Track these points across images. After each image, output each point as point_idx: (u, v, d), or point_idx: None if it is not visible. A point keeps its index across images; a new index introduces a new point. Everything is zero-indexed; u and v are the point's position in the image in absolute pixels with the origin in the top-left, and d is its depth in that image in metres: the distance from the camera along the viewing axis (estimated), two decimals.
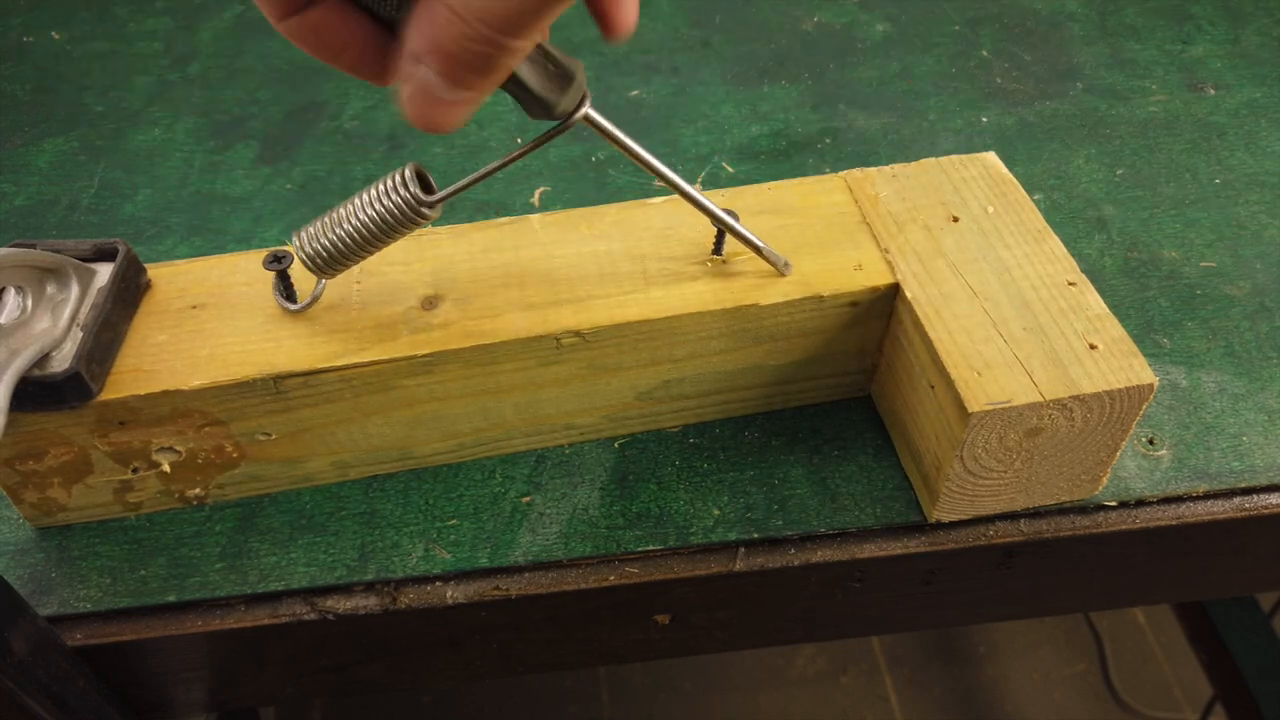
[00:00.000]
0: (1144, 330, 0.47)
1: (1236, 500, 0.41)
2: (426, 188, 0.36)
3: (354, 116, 0.62)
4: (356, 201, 0.36)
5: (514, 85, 0.31)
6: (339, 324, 0.39)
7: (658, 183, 0.57)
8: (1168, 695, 1.19)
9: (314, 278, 0.40)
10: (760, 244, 0.39)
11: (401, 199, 0.35)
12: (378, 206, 0.35)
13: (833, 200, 0.44)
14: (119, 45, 0.69)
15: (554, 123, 0.34)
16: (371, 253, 0.37)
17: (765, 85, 0.64)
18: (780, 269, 0.40)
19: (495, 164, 0.35)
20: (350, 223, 0.36)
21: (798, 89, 0.64)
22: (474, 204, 0.56)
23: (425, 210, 0.35)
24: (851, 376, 0.44)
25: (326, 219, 0.36)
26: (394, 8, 0.29)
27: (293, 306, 0.39)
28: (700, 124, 0.61)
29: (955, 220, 0.42)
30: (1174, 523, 0.41)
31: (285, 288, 0.39)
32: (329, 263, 0.37)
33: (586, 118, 0.34)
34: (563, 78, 0.32)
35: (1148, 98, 0.62)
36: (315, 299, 0.39)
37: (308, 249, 0.36)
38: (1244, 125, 0.60)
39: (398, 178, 0.35)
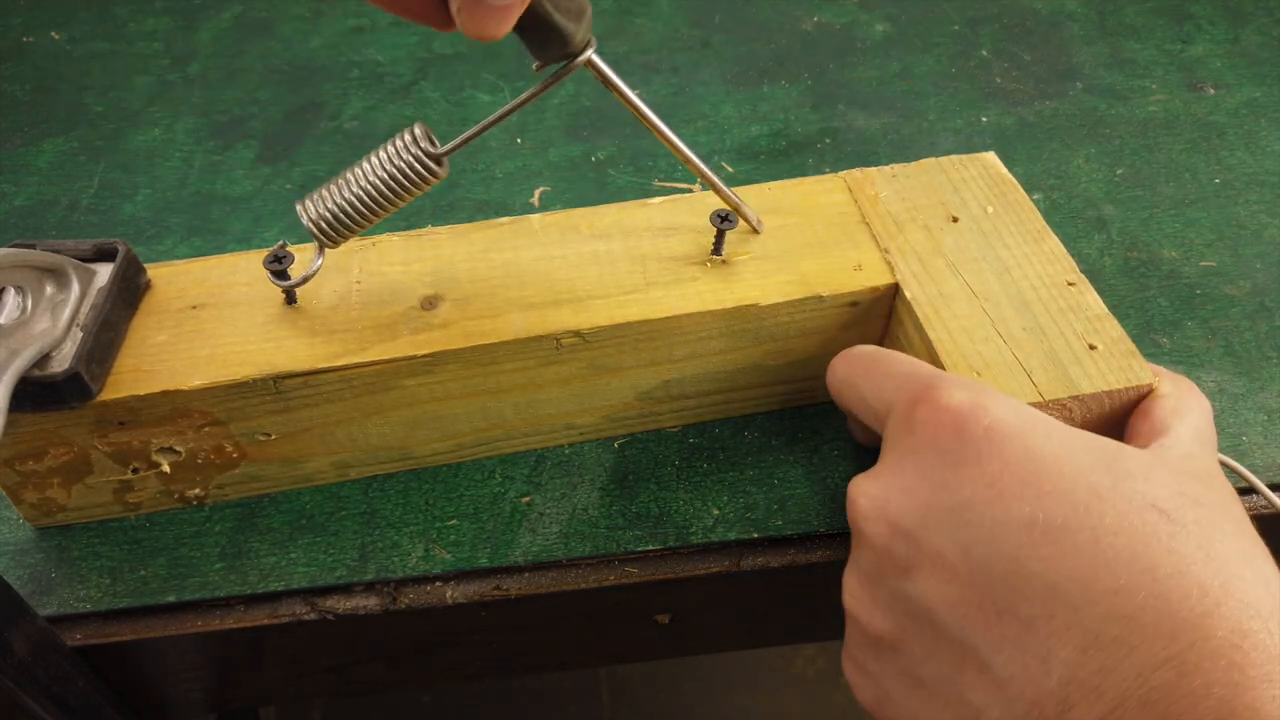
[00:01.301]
0: (1143, 330, 0.47)
1: None
2: (434, 147, 0.36)
3: (354, 116, 0.62)
4: (365, 165, 0.36)
5: (536, 17, 0.32)
6: (339, 324, 0.39)
7: (657, 182, 0.57)
8: None
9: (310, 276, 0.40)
10: (737, 199, 0.40)
11: (413, 156, 0.35)
12: (388, 167, 0.36)
13: (832, 200, 0.44)
14: (119, 45, 0.69)
15: (551, 74, 0.35)
16: (379, 218, 0.37)
17: (765, 85, 0.64)
18: (754, 225, 0.40)
19: (503, 109, 0.36)
20: (359, 185, 0.36)
21: (798, 89, 0.64)
22: (474, 204, 0.56)
23: (435, 167, 0.36)
24: None
25: (333, 185, 0.36)
26: None
27: (284, 283, 0.38)
28: (700, 124, 0.61)
29: (955, 220, 0.42)
30: None
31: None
32: (335, 229, 0.37)
33: (590, 62, 0.35)
34: (578, 11, 0.33)
35: (1147, 97, 0.62)
36: (313, 274, 0.38)
37: (313, 214, 0.36)
38: (1244, 125, 0.60)
39: (407, 137, 0.36)
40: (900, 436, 0.31)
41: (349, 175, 0.36)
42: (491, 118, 0.36)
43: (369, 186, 0.36)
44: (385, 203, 0.36)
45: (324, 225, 0.36)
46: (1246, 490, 0.41)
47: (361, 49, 0.68)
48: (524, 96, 0.36)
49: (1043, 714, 0.26)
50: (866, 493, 0.31)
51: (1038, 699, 0.26)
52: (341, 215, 0.36)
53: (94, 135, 0.61)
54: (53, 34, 0.70)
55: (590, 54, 0.35)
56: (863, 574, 0.31)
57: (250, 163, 0.59)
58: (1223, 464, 0.37)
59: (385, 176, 0.36)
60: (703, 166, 0.39)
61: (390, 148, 0.36)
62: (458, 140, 0.36)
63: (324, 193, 0.36)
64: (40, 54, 0.68)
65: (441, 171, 0.36)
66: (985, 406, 0.30)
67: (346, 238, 0.37)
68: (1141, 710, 0.24)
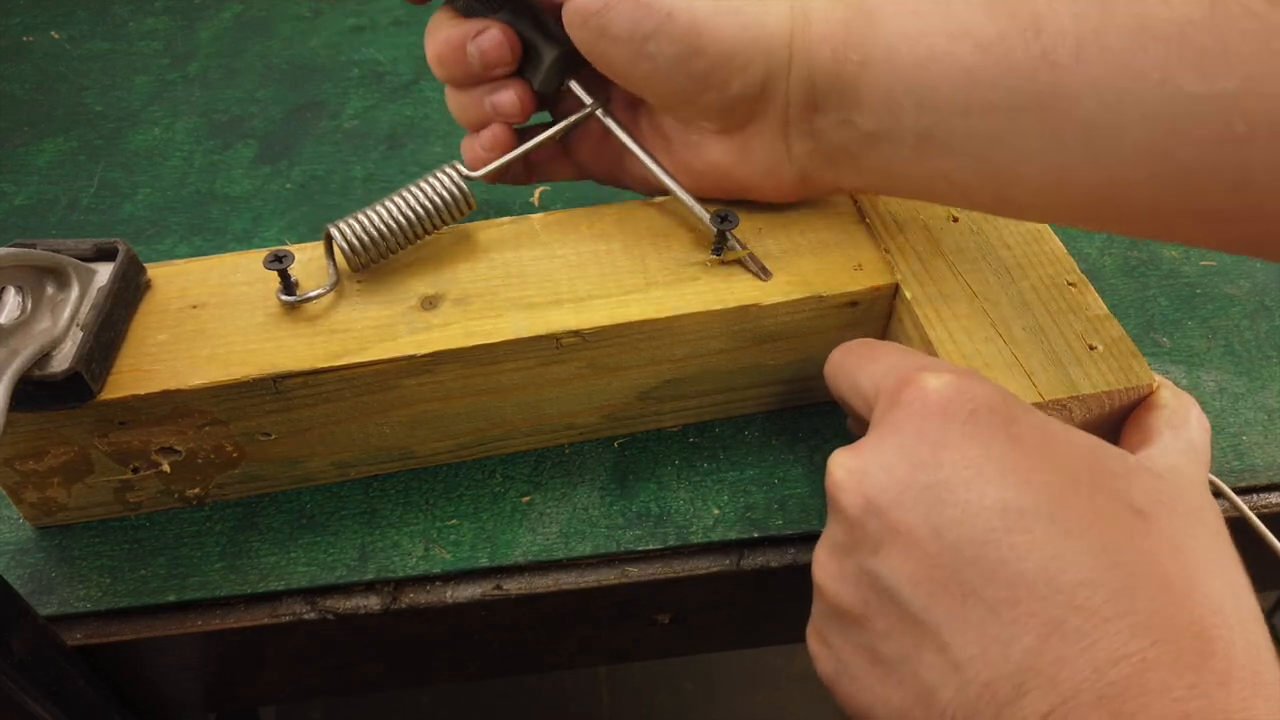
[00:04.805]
0: (1144, 329, 0.48)
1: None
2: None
3: (354, 116, 0.62)
4: (406, 195, 0.40)
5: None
6: (339, 324, 0.39)
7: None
8: None
9: (313, 277, 0.40)
10: (691, 202, 0.41)
11: (455, 186, 0.40)
12: (432, 197, 0.40)
13: (832, 199, 0.44)
14: (119, 45, 0.69)
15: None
16: (408, 245, 0.40)
17: None
18: (705, 222, 0.41)
19: (529, 144, 0.42)
20: (399, 213, 0.39)
21: None
22: None
23: (472, 199, 0.41)
24: None
25: (371, 213, 0.39)
26: None
27: (290, 298, 0.39)
28: None
29: (955, 220, 0.42)
30: None
31: (285, 287, 0.39)
32: (368, 252, 0.39)
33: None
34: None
35: None
36: (325, 293, 0.39)
37: (349, 237, 0.39)
38: None
39: (451, 171, 0.40)
40: (885, 415, 0.31)
41: (388, 204, 0.40)
42: (520, 149, 0.43)
43: (410, 214, 0.39)
44: (420, 230, 0.40)
45: (359, 248, 0.39)
46: (1246, 489, 0.41)
47: (361, 48, 0.68)
48: (548, 133, 0.43)
49: (995, 697, 0.26)
50: (845, 465, 0.31)
51: (992, 681, 0.26)
52: (379, 240, 0.39)
53: (94, 135, 0.61)
54: (53, 34, 0.70)
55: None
56: (833, 546, 0.31)
57: (250, 162, 0.59)
58: (1212, 483, 0.37)
59: (429, 206, 0.40)
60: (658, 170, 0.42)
61: (434, 180, 0.40)
62: (494, 164, 0.42)
63: (360, 218, 0.39)
64: (40, 54, 0.68)
65: (474, 203, 0.41)
66: (972, 392, 0.30)
67: (375, 262, 0.40)
68: (1095, 705, 0.24)
